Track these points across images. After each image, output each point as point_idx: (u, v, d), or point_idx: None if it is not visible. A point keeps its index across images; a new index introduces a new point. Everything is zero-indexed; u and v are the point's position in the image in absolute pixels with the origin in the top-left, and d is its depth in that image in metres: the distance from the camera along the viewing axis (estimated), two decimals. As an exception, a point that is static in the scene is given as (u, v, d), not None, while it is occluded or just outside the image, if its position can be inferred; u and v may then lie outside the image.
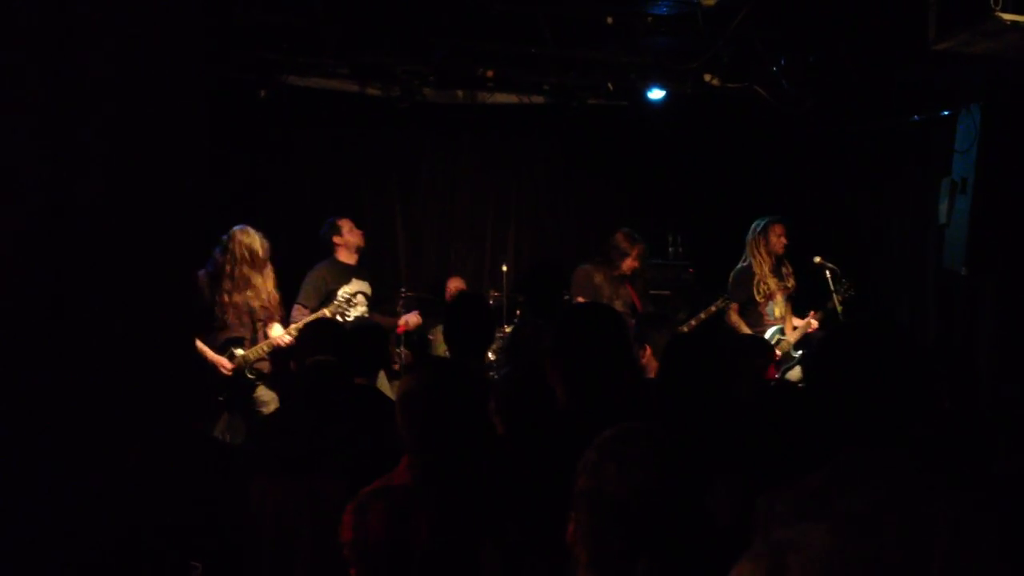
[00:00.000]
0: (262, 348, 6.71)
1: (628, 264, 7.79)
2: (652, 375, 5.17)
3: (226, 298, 6.63)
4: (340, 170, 9.66)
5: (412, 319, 8.11)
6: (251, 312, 6.72)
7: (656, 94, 8.80)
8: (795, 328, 7.81)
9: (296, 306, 7.41)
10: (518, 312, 8.84)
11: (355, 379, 4.91)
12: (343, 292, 7.37)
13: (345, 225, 7.84)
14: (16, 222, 2.35)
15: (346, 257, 7.82)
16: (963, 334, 7.83)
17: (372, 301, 7.84)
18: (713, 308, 7.97)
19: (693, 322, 7.91)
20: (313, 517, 3.93)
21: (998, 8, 5.08)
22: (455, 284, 9.36)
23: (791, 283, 7.83)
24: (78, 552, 2.38)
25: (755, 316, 7.81)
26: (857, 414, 2.35)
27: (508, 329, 7.73)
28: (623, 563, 2.13)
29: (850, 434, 2.36)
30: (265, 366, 6.85)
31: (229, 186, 8.59)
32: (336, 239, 7.81)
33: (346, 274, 7.75)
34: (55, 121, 2.39)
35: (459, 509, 2.88)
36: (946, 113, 7.67)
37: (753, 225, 7.93)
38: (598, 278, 7.81)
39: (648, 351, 5.29)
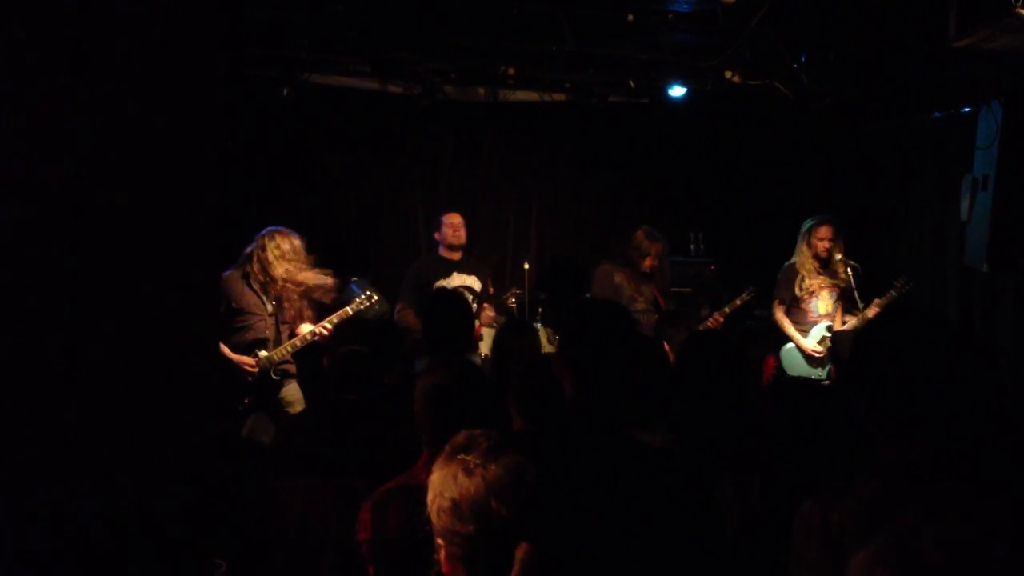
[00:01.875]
0: (286, 349, 6.72)
1: (648, 263, 7.78)
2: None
3: (253, 299, 6.65)
4: (362, 168, 9.70)
5: (485, 315, 8.17)
6: (277, 314, 6.74)
7: (677, 91, 8.79)
8: (845, 323, 7.73)
9: (398, 304, 7.68)
10: (540, 310, 8.86)
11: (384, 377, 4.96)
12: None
13: (443, 220, 8.03)
14: (34, 225, 2.38)
15: (446, 252, 7.97)
16: (984, 331, 7.80)
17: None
18: (738, 301, 7.97)
19: (718, 316, 7.91)
20: (340, 517, 3.95)
21: (1018, 4, 5.07)
22: None
23: (842, 281, 7.71)
24: (102, 550, 2.41)
25: (800, 313, 7.77)
26: (905, 411, 2.26)
27: (537, 326, 7.75)
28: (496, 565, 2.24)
29: (894, 432, 2.27)
30: (291, 367, 6.88)
31: (250, 184, 8.64)
32: (436, 235, 8.07)
33: (445, 268, 7.88)
34: (72, 123, 2.41)
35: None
36: (967, 110, 7.64)
37: (805, 222, 7.86)
38: (618, 277, 7.79)
39: (667, 348, 5.33)
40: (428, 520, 2.39)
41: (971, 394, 2.25)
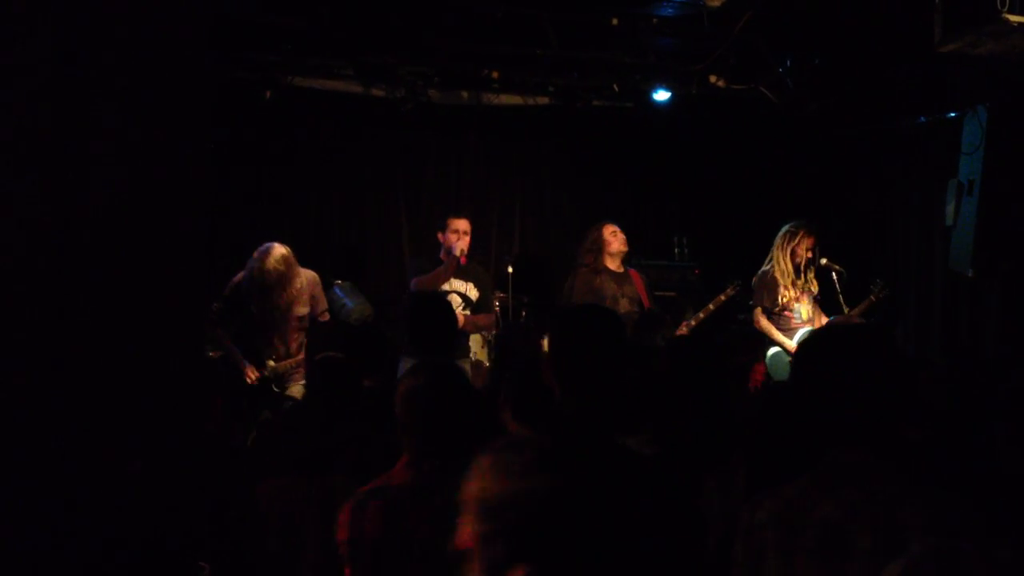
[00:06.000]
0: (292, 363, 6.65)
1: (616, 248, 7.79)
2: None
3: (260, 309, 6.54)
4: (345, 171, 9.65)
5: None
6: (286, 323, 6.63)
7: (661, 95, 8.79)
8: None
9: None
10: (523, 313, 8.83)
11: (364, 380, 4.91)
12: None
13: (448, 224, 7.67)
14: (20, 229, 2.35)
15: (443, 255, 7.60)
16: (969, 336, 7.81)
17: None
18: (722, 297, 7.92)
19: (702, 314, 7.89)
20: (322, 517, 3.92)
21: (1004, 10, 5.08)
22: None
23: (815, 286, 7.76)
24: (86, 553, 2.38)
25: (782, 320, 7.77)
26: (838, 416, 2.35)
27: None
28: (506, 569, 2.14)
29: (832, 436, 2.37)
30: (299, 376, 6.73)
31: (233, 187, 8.60)
32: (439, 235, 7.67)
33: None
34: (59, 126, 2.39)
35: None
36: (952, 115, 7.65)
37: (783, 229, 7.82)
38: (597, 280, 7.78)
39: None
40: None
41: (895, 402, 2.39)
